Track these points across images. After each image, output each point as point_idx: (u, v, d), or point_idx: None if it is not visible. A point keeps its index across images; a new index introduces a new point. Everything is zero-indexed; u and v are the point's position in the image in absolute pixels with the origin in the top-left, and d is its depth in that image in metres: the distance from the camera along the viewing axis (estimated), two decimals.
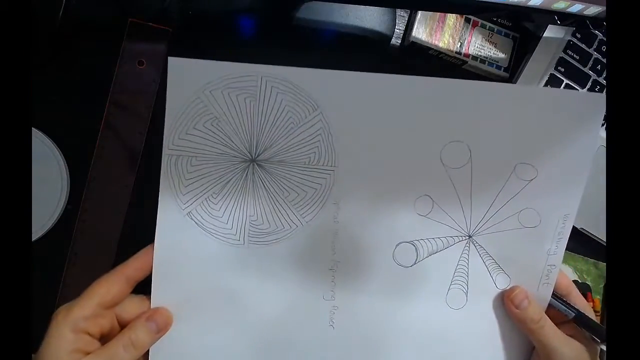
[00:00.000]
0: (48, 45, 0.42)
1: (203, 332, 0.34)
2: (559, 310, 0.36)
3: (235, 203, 0.33)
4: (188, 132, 0.32)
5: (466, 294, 0.36)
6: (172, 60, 0.31)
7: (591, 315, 0.36)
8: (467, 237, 0.36)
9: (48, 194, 0.41)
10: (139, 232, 0.43)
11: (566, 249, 0.48)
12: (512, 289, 0.36)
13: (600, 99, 0.34)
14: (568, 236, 0.36)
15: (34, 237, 0.40)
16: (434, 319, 0.36)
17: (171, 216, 0.33)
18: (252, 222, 0.34)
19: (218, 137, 0.33)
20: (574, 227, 0.47)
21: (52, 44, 0.42)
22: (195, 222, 0.33)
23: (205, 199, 0.33)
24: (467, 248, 0.36)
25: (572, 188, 0.35)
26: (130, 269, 0.32)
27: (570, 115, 0.34)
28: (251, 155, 0.33)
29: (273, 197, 0.34)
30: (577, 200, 0.35)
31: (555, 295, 0.36)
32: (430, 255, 0.35)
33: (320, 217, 0.34)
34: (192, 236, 0.33)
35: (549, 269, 0.36)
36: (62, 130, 0.41)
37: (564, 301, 0.36)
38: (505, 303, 0.36)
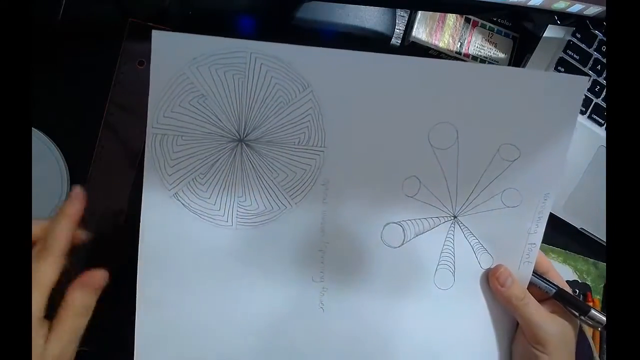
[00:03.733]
0: (48, 45, 0.42)
1: (191, 315, 0.34)
2: (540, 287, 0.37)
3: (223, 184, 0.33)
4: (173, 110, 0.31)
5: (453, 274, 0.37)
6: (156, 34, 0.30)
7: (569, 291, 0.37)
8: (453, 218, 0.36)
9: (48, 194, 0.41)
10: (139, 232, 0.43)
11: (566, 249, 0.48)
12: (496, 268, 0.37)
13: (581, 81, 0.34)
14: (548, 215, 0.36)
15: None
16: (423, 300, 0.36)
17: (157, 197, 0.32)
18: (241, 204, 0.33)
19: (205, 115, 0.32)
20: (574, 227, 0.47)
21: (52, 44, 0.42)
22: (182, 204, 0.32)
23: (192, 179, 0.32)
24: (452, 228, 0.36)
25: (552, 167, 0.35)
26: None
27: (552, 96, 0.34)
28: (239, 135, 0.32)
29: (262, 177, 0.33)
30: (557, 179, 0.36)
31: (535, 273, 0.37)
32: (417, 235, 0.36)
33: (309, 198, 0.34)
34: (179, 218, 0.32)
35: (530, 248, 0.37)
36: (62, 130, 0.41)
37: (544, 278, 0.37)
38: (490, 282, 0.37)
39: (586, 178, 0.47)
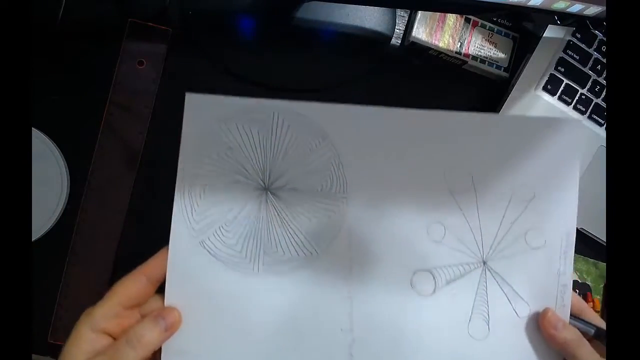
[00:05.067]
0: (48, 45, 0.42)
1: None
2: (579, 329, 0.35)
3: (249, 231, 0.34)
4: (202, 162, 0.33)
5: (488, 323, 0.36)
6: (189, 97, 0.33)
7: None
8: (483, 264, 0.36)
9: (48, 194, 0.41)
10: (139, 232, 0.43)
11: None
12: (545, 312, 0.35)
13: (576, 124, 0.35)
14: (573, 254, 0.36)
15: (34, 237, 0.40)
16: (458, 351, 0.35)
17: (183, 244, 0.33)
18: (266, 251, 0.34)
19: (232, 166, 0.34)
20: None
21: (52, 44, 0.42)
22: (208, 251, 0.33)
23: (219, 227, 0.33)
24: (484, 275, 0.36)
25: (565, 206, 0.36)
26: (150, 268, 0.32)
27: (551, 139, 0.35)
28: (264, 184, 0.34)
29: (287, 225, 0.34)
30: (573, 218, 0.36)
31: (571, 315, 0.36)
32: (448, 283, 0.35)
33: (335, 245, 0.34)
34: (205, 265, 0.33)
35: (563, 290, 0.36)
36: (62, 130, 0.41)
37: (581, 319, 0.36)
38: (542, 327, 0.35)
39: (586, 178, 0.47)
